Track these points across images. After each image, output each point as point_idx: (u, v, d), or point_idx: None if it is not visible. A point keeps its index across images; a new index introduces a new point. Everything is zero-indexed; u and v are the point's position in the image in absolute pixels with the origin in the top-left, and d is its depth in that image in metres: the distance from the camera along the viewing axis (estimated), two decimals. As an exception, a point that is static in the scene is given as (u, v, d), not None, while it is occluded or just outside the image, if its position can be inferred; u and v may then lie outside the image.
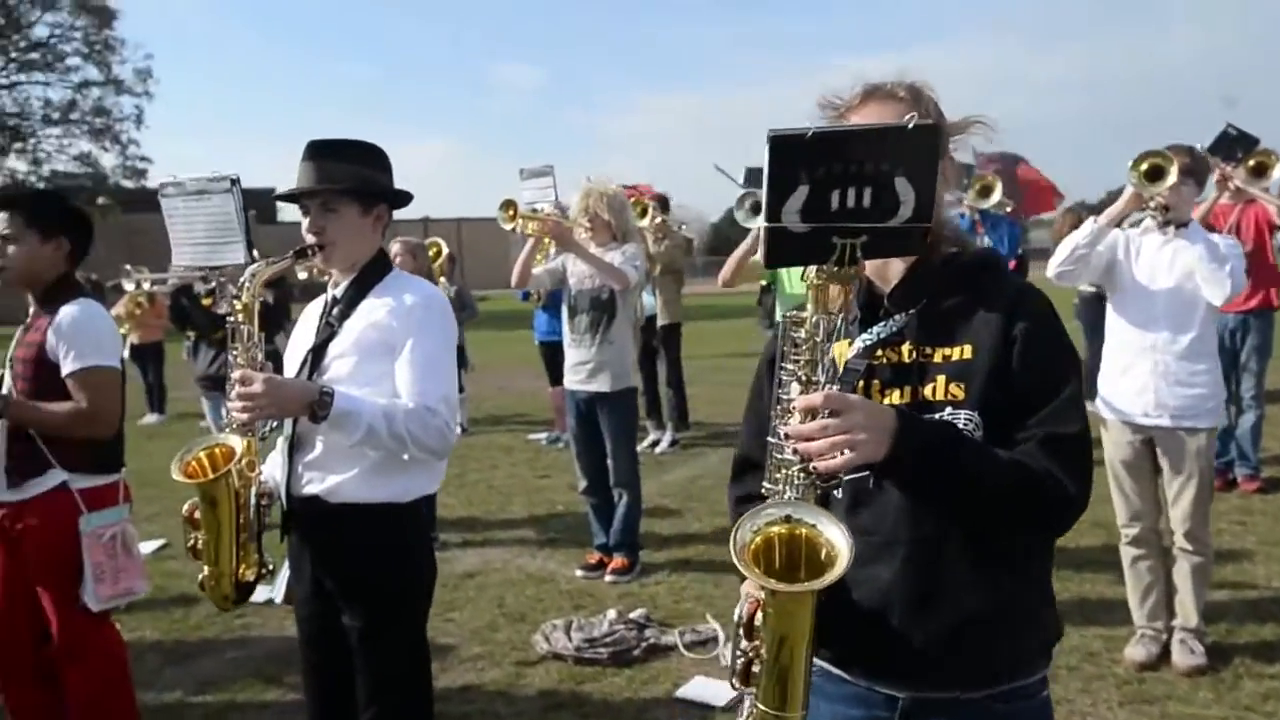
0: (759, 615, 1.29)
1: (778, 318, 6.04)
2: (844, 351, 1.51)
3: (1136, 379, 3.58)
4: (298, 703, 3.07)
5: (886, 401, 1.47)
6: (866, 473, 1.41)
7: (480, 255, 36.09)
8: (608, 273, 4.68)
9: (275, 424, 2.34)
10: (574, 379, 4.89)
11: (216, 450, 2.28)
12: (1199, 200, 4.69)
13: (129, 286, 9.83)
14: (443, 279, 7.92)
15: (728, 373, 12.41)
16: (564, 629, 4.02)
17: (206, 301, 6.09)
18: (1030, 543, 1.51)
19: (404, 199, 2.50)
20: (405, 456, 2.26)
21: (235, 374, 2.20)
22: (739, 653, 1.31)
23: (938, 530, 1.44)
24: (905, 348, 1.50)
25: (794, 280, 4.30)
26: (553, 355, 7.29)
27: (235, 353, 2.26)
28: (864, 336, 1.52)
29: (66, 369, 2.78)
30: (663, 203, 8.40)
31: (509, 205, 4.94)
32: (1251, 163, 5.78)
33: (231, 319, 2.27)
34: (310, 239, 2.34)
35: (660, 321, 8.24)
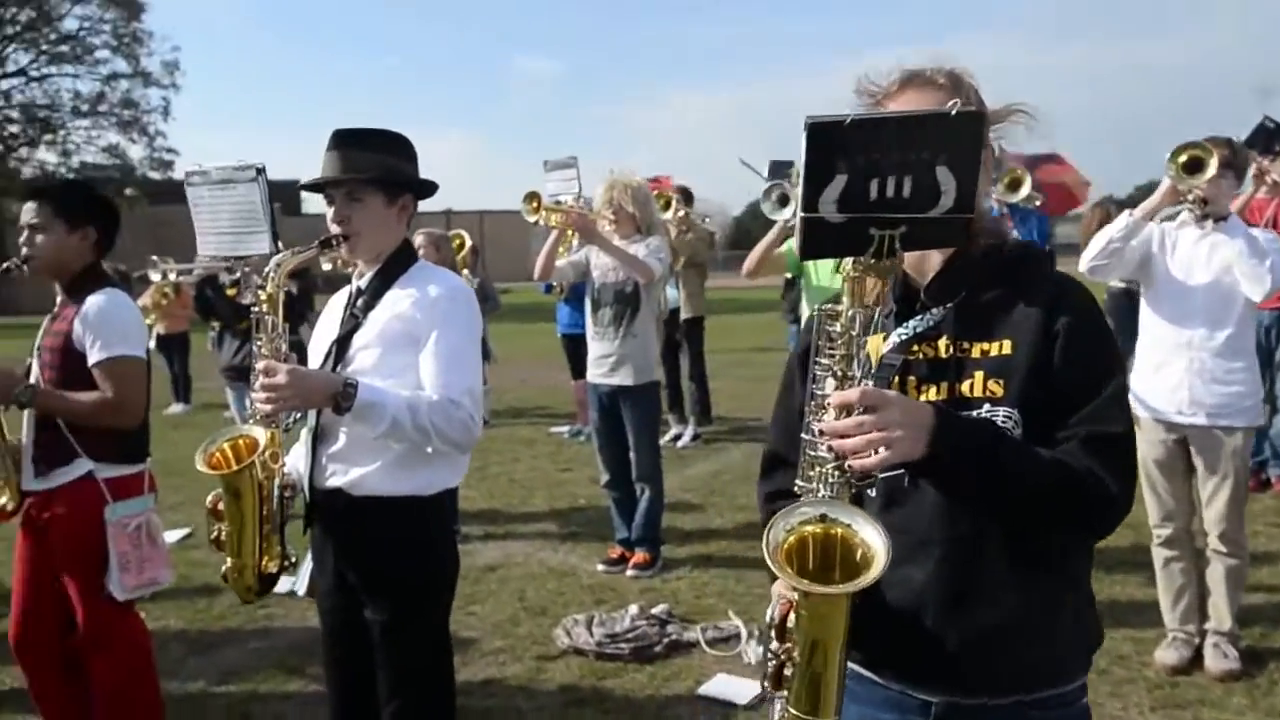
0: (791, 617, 1.26)
1: (802, 311, 5.99)
2: (879, 346, 1.47)
3: (1171, 376, 3.51)
4: (319, 694, 3.06)
5: (923, 398, 1.43)
6: (901, 470, 1.37)
7: (503, 247, 36.13)
8: (632, 265, 4.65)
9: (299, 415, 2.33)
10: (597, 372, 4.86)
11: (240, 441, 2.28)
12: (1236, 193, 4.59)
13: (155, 277, 9.91)
14: (465, 271, 7.92)
15: (751, 367, 12.36)
16: (585, 624, 4.00)
17: (231, 292, 6.13)
18: (1070, 543, 1.47)
19: (429, 189, 2.47)
20: (429, 449, 2.24)
21: (259, 365, 2.19)
22: (770, 655, 1.27)
23: (974, 530, 1.40)
24: (942, 342, 1.46)
25: (821, 273, 4.25)
26: (575, 348, 7.27)
27: (259, 343, 2.24)
28: (900, 330, 1.48)
29: (93, 359, 2.78)
30: (686, 195, 8.35)
31: (533, 197, 4.93)
32: (1290, 156, 5.64)
33: (256, 309, 2.26)
34: (335, 229, 2.32)
35: (683, 315, 8.19)
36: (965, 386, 1.42)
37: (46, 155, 36.74)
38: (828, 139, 1.18)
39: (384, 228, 2.36)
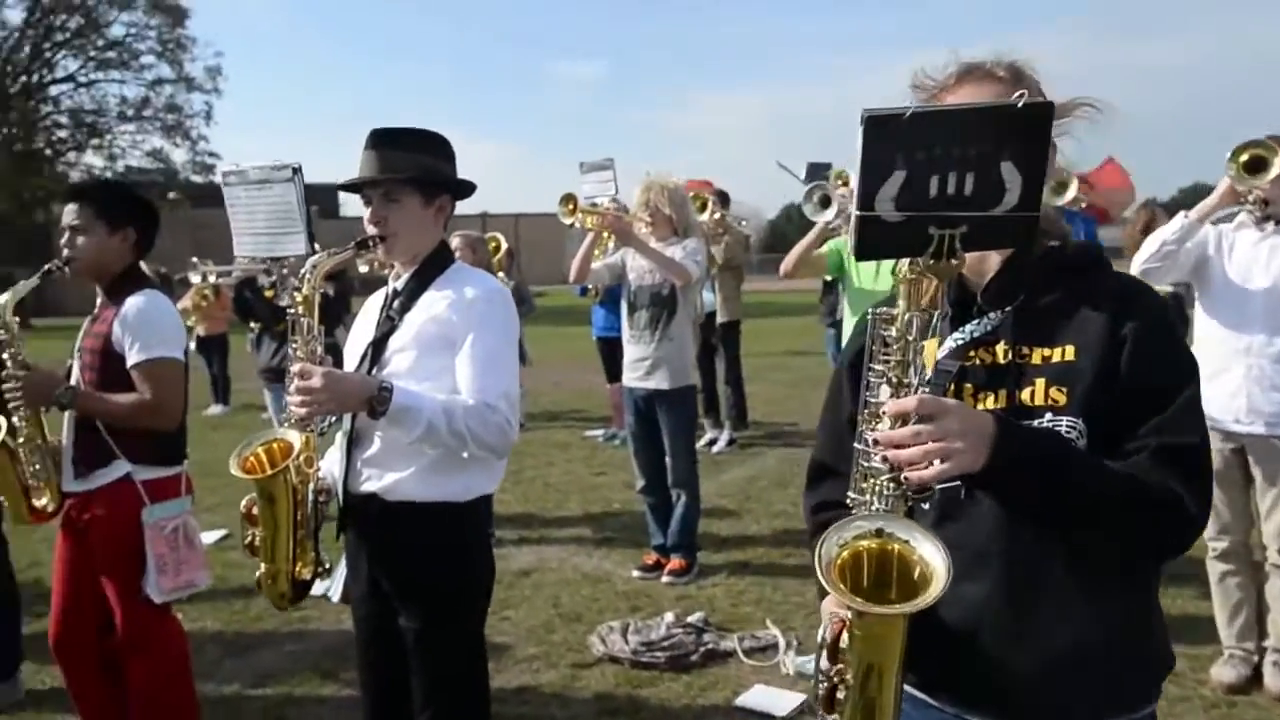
0: (844, 637, 1.19)
1: (841, 315, 5.90)
2: (933, 351, 1.40)
3: (1228, 383, 3.39)
4: (354, 699, 3.04)
5: (980, 407, 1.36)
6: (956, 482, 1.30)
7: (538, 250, 36.29)
8: (668, 268, 4.59)
9: (334, 419, 2.30)
10: (632, 376, 4.81)
11: (275, 445, 2.25)
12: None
13: (195, 279, 10.04)
14: (501, 274, 7.92)
15: (787, 371, 12.27)
16: (620, 631, 3.95)
17: (269, 294, 6.16)
18: (1139, 561, 1.39)
19: (467, 189, 2.43)
20: (464, 454, 2.19)
21: (294, 368, 2.16)
22: (822, 676, 1.21)
23: (1036, 545, 1.32)
24: (1000, 348, 1.39)
25: (863, 276, 4.16)
26: (611, 351, 7.23)
27: (294, 346, 2.22)
28: (955, 335, 1.42)
29: (131, 360, 2.78)
30: (723, 198, 8.28)
31: (569, 199, 4.89)
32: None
33: (291, 311, 2.23)
34: (371, 230, 2.29)
35: (719, 318, 8.11)
36: (1025, 394, 1.35)
37: (93, 159, 37.63)
38: (886, 133, 1.12)
39: (421, 229, 2.32)
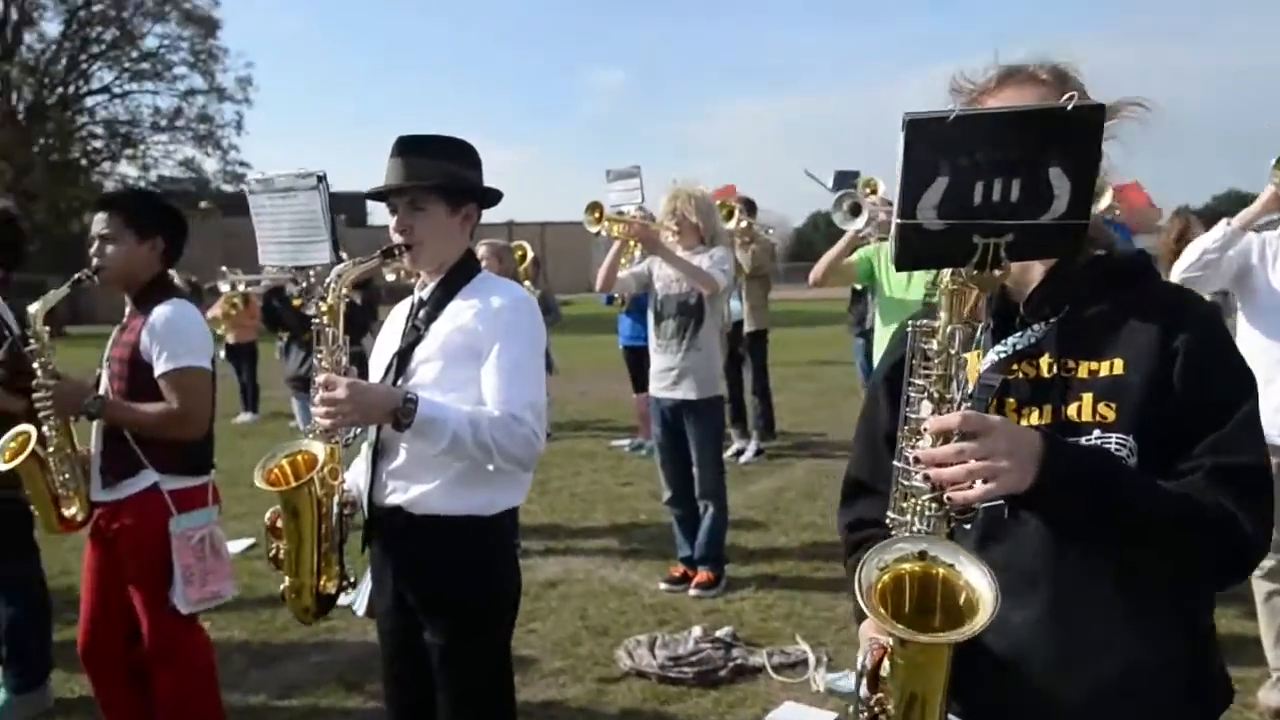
0: (885, 664, 1.14)
1: (871, 324, 5.81)
2: (975, 365, 1.35)
3: (1273, 396, 3.27)
4: (379, 711, 3.01)
5: (1024, 423, 1.30)
6: (1000, 501, 1.25)
7: (565, 259, 36.41)
8: (695, 276, 4.55)
9: (359, 430, 2.28)
10: (659, 386, 4.77)
11: (299, 457, 2.23)
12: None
13: (224, 288, 10.15)
14: (527, 282, 7.91)
15: (814, 380, 12.17)
16: (648, 645, 3.90)
17: (297, 303, 6.19)
18: (1195, 585, 1.32)
19: (493, 197, 2.41)
20: (490, 467, 2.16)
21: (319, 378, 2.14)
22: (861, 706, 1.16)
23: (1085, 568, 1.26)
24: (1044, 361, 1.33)
25: (895, 285, 4.09)
26: (637, 361, 7.19)
27: (319, 356, 2.20)
28: (998, 348, 1.36)
29: (159, 369, 2.79)
30: (750, 206, 8.22)
31: (595, 208, 4.87)
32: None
33: (316, 321, 2.21)
34: (397, 238, 2.27)
35: (746, 328, 8.05)
36: (1072, 410, 1.29)
37: (127, 169, 38.15)
38: (928, 137, 1.07)
39: (447, 237, 2.30)
